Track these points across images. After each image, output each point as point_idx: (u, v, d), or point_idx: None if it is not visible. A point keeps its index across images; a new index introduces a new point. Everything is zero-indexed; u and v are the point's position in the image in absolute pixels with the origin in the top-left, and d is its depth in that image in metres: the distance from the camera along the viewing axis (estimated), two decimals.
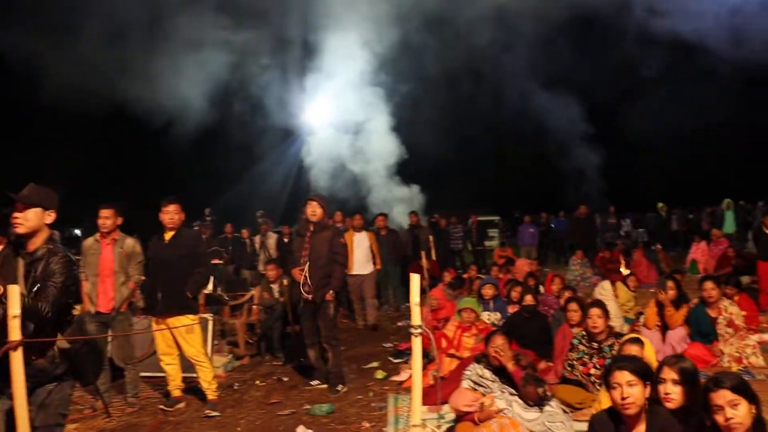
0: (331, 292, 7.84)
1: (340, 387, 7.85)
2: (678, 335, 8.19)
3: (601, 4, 19.23)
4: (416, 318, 3.67)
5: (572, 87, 24.62)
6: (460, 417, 5.72)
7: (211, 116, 18.98)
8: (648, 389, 3.94)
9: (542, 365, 7.84)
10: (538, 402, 5.66)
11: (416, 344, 3.70)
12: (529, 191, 34.77)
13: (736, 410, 3.53)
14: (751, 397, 3.60)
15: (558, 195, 27.11)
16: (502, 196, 34.96)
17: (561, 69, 23.65)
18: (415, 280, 3.70)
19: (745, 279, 13.24)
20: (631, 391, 3.84)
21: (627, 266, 15.33)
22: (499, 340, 5.88)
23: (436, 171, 27.14)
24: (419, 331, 3.66)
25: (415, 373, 3.76)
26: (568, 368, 6.82)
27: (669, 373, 4.19)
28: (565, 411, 5.95)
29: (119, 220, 7.38)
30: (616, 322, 9.11)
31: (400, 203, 17.91)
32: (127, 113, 19.94)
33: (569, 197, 23.41)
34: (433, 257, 13.80)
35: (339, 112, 17.79)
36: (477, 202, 29.69)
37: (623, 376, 3.88)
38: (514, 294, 9.87)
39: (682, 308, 8.45)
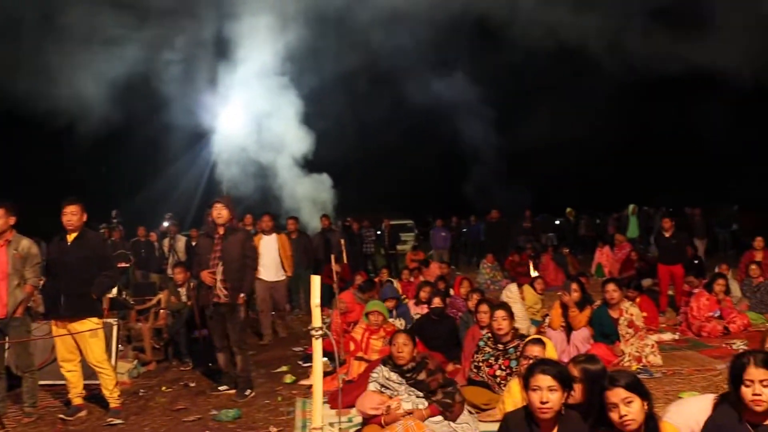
0: (242, 295, 7.73)
1: (248, 392, 7.73)
2: (581, 336, 8.37)
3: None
4: (317, 320, 3.64)
5: (479, 90, 24.86)
6: (367, 420, 5.71)
7: (116, 116, 18.41)
8: (565, 395, 3.96)
9: (450, 367, 7.90)
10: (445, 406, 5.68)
11: (317, 346, 3.67)
12: (442, 195, 35.11)
13: (629, 407, 3.61)
14: (644, 394, 3.69)
15: (471, 200, 27.40)
16: (417, 200, 35.22)
17: (472, 74, 23.84)
18: (315, 281, 3.66)
19: (647, 282, 13.72)
20: (551, 396, 3.84)
21: (536, 269, 15.64)
22: (400, 339, 5.86)
23: (349, 174, 27.13)
24: (320, 332, 3.63)
25: (315, 375, 3.73)
26: (474, 370, 6.89)
27: (572, 371, 4.31)
28: (470, 412, 6.02)
29: (12, 220, 7.05)
30: (523, 324, 9.29)
31: (312, 206, 17.80)
32: (23, 112, 19.11)
33: (482, 202, 23.67)
34: (345, 261, 13.78)
35: (248, 113, 17.55)
36: (391, 206, 29.81)
37: (546, 381, 3.87)
38: (423, 294, 9.95)
39: (586, 310, 8.64)
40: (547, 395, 3.84)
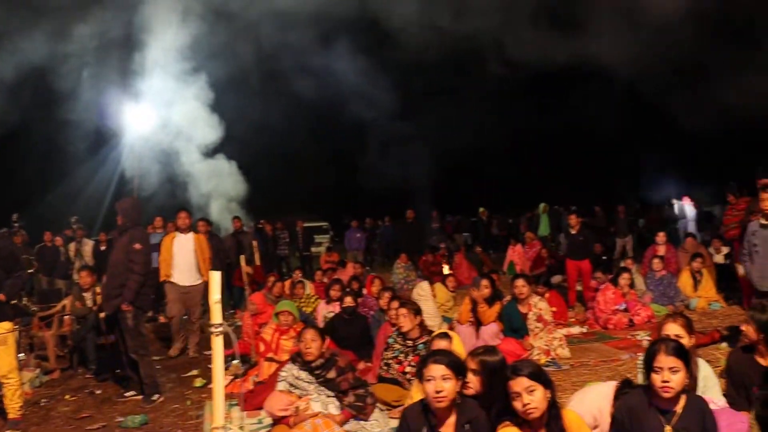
0: (125, 304, 7.44)
1: (155, 397, 7.55)
2: (491, 331, 8.46)
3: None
4: (216, 316, 3.56)
5: (385, 94, 24.90)
6: (277, 421, 5.64)
7: (14, 118, 17.62)
8: (459, 383, 4.01)
9: (361, 366, 7.87)
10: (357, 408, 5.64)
11: (217, 343, 3.58)
12: (358, 197, 35.12)
13: (532, 396, 3.68)
14: (546, 383, 3.76)
15: (385, 200, 27.43)
16: (333, 201, 35.19)
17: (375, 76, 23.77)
18: (214, 277, 3.58)
19: (557, 278, 14.01)
20: (445, 385, 3.90)
21: (450, 268, 15.76)
22: (309, 334, 5.79)
23: (263, 177, 26.83)
24: (220, 329, 3.55)
25: (216, 372, 3.63)
26: (384, 367, 6.87)
27: (470, 363, 4.35)
28: (381, 409, 6.01)
29: None
30: (434, 322, 9.33)
31: (224, 207, 17.48)
32: None
33: (396, 203, 23.69)
34: (257, 262, 13.62)
35: (157, 110, 17.05)
36: (308, 209, 29.68)
37: (438, 370, 3.92)
38: (333, 293, 9.92)
39: (496, 305, 8.75)
40: (441, 384, 3.89)
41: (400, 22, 18.24)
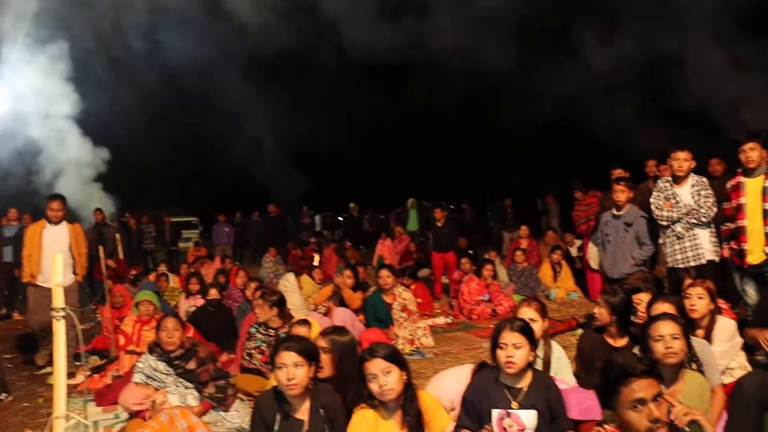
0: None
1: (3, 396, 7.13)
2: (343, 313, 8.21)
3: None
4: (58, 300, 3.38)
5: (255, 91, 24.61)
6: (133, 415, 5.43)
7: None
8: (312, 369, 3.97)
9: (224, 357, 7.75)
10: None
11: (59, 328, 3.39)
12: (228, 192, 34.55)
13: (388, 377, 3.70)
14: (402, 365, 3.79)
15: (255, 195, 27.08)
16: (203, 197, 34.48)
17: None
18: (57, 259, 3.39)
19: (425, 272, 14.23)
20: (297, 372, 3.86)
21: (319, 263, 15.73)
22: (170, 323, 5.59)
23: (133, 171, 26.03)
24: (61, 314, 3.36)
25: (57, 359, 3.44)
26: (247, 357, 6.76)
27: (320, 342, 4.34)
28: (242, 399, 5.89)
29: None
30: (300, 314, 9.25)
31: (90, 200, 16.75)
32: None
33: (265, 198, 23.44)
34: (121, 256, 13.16)
35: (19, 104, 16.14)
36: (178, 204, 29.05)
37: (290, 357, 3.88)
38: (192, 286, 9.73)
39: (359, 292, 8.83)
40: (293, 371, 3.85)
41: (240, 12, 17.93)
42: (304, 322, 5.65)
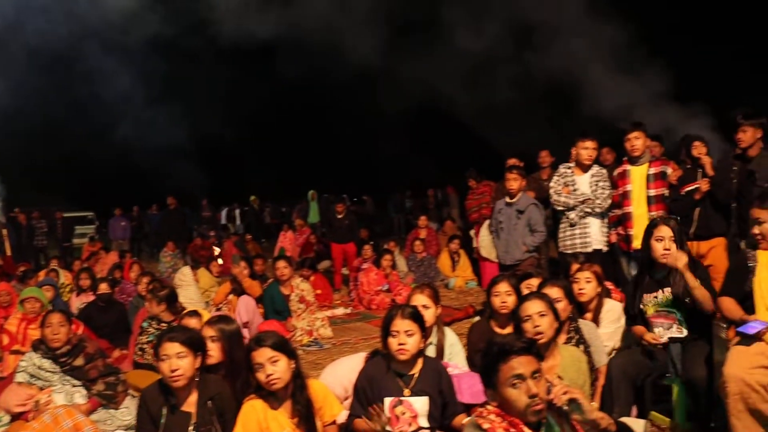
0: None
1: None
2: (245, 304, 8.18)
3: None
4: None
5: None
6: (15, 417, 5.19)
7: None
8: (199, 359, 3.89)
9: (116, 353, 7.56)
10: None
11: None
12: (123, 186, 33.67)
13: (275, 366, 3.67)
14: (290, 353, 3.76)
15: (149, 189, 26.41)
16: (96, 191, 33.45)
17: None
18: None
19: (325, 263, 14.19)
20: (180, 363, 3.78)
21: (219, 256, 15.50)
22: (55, 318, 5.36)
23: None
24: None
25: None
26: (139, 352, 6.59)
27: (208, 331, 4.30)
28: (134, 396, 5.72)
29: None
30: (197, 307, 9.09)
31: None
32: None
33: (162, 191, 22.88)
34: (8, 252, 12.66)
35: None
36: (73, 198, 28.16)
37: (173, 348, 3.80)
38: (83, 282, 9.43)
39: (257, 281, 8.78)
40: (177, 362, 3.78)
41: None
42: (194, 314, 5.54)
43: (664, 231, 4.72)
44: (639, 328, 4.85)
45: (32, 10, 16.80)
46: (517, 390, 2.85)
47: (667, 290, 4.71)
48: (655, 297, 4.77)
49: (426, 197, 24.89)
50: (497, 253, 8.28)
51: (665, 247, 4.68)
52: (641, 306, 4.83)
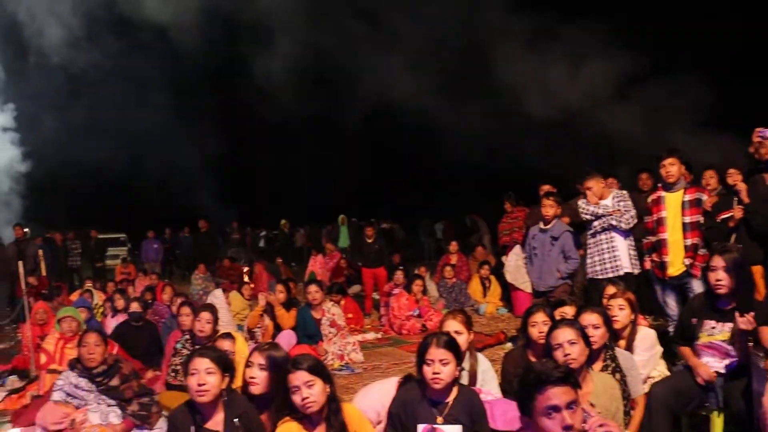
0: None
1: None
2: (287, 336, 8.33)
3: None
4: None
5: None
6: None
7: None
8: (227, 380, 3.93)
9: (150, 374, 7.61)
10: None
11: None
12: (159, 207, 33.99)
13: (311, 390, 3.68)
14: (326, 378, 3.77)
15: (183, 212, 26.63)
16: (132, 213, 33.83)
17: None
18: None
19: (356, 288, 14.21)
20: (209, 379, 3.82)
21: (249, 278, 15.56)
22: (92, 338, 5.40)
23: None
24: None
25: None
26: (173, 374, 6.63)
27: (257, 358, 4.29)
28: (166, 417, 5.75)
29: None
30: (229, 329, 9.12)
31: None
32: None
33: (194, 214, 23.07)
34: (43, 273, 12.79)
35: None
36: (108, 220, 28.47)
37: (202, 363, 3.85)
38: (118, 303, 9.51)
39: (293, 310, 8.74)
40: (204, 377, 3.81)
41: None
42: (228, 336, 5.56)
43: (716, 261, 4.67)
44: (688, 354, 4.78)
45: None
46: (551, 420, 2.83)
47: (729, 326, 4.63)
48: (713, 328, 4.72)
49: (458, 223, 24.87)
50: (531, 279, 8.25)
51: (717, 278, 4.63)
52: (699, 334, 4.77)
